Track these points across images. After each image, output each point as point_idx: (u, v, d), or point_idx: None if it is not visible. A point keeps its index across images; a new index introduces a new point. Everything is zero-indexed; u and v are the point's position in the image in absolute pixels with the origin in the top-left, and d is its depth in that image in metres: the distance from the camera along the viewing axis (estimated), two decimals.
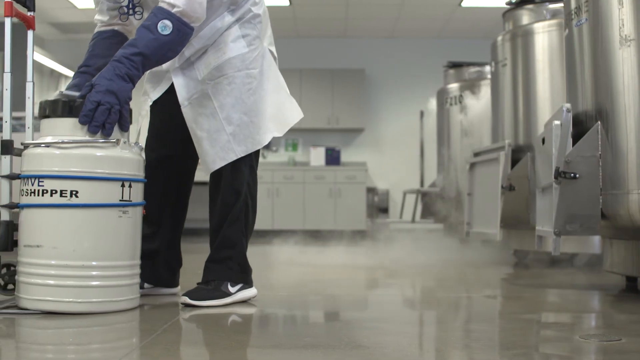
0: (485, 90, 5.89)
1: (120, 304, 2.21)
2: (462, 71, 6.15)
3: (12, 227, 2.27)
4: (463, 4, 7.69)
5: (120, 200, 2.19)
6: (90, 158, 2.17)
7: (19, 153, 2.32)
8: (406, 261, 4.85)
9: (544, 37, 4.14)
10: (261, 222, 8.17)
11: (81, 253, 2.14)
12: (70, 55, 8.90)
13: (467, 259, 4.78)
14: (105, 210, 2.17)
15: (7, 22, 2.31)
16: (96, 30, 2.51)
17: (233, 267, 2.39)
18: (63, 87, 9.72)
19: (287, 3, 7.61)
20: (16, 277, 2.24)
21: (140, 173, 2.27)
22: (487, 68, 6.05)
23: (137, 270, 2.29)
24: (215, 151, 2.34)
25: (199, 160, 2.45)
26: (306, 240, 7.28)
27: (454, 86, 6.12)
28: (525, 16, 4.35)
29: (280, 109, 2.48)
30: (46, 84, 9.23)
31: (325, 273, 3.90)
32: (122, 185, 2.20)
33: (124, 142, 2.21)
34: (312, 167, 8.52)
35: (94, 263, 2.16)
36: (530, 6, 4.30)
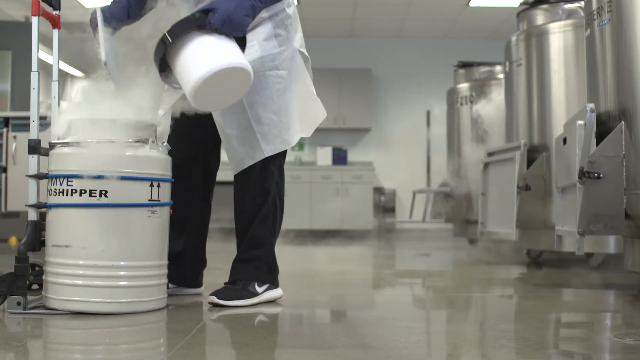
0: (496, 90, 5.88)
1: (148, 304, 2.21)
2: (472, 71, 6.14)
3: (39, 227, 2.27)
4: (471, 4, 7.69)
5: (149, 200, 2.19)
6: (120, 157, 2.16)
7: (45, 153, 2.31)
8: (418, 260, 4.85)
9: (559, 37, 4.13)
10: None
11: (110, 253, 2.14)
12: (76, 55, 8.89)
13: (479, 259, 4.79)
14: (134, 210, 2.17)
15: (35, 20, 2.31)
16: None
17: (261, 267, 2.39)
18: (69, 86, 9.73)
19: (295, 3, 7.61)
20: (43, 277, 2.24)
21: (168, 173, 2.27)
22: (498, 68, 6.05)
23: (165, 271, 2.28)
24: (244, 150, 2.33)
25: (228, 159, 2.43)
26: (313, 240, 7.28)
27: (464, 86, 6.11)
28: (539, 16, 4.35)
29: (306, 110, 2.48)
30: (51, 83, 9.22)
31: (340, 273, 3.89)
32: (151, 185, 2.20)
33: (152, 142, 2.21)
34: (319, 167, 8.51)
35: (122, 263, 2.15)
36: (545, 6, 4.29)
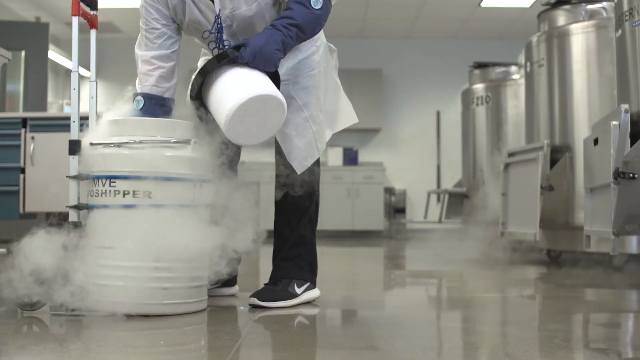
0: (512, 90, 5.89)
1: (190, 305, 2.20)
2: (487, 71, 6.14)
3: (80, 228, 2.26)
4: (483, 4, 7.69)
5: (192, 201, 2.19)
6: (164, 158, 2.16)
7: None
8: (436, 261, 4.85)
9: (581, 38, 4.13)
10: (271, 223, 8.16)
11: (154, 254, 2.13)
12: (85, 55, 8.87)
13: (497, 259, 4.78)
14: (178, 211, 2.16)
15: (75, 20, 2.31)
16: (142, 89, 2.32)
17: (303, 266, 2.39)
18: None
19: None
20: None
21: (209, 173, 2.27)
22: (513, 68, 6.06)
23: (206, 272, 2.28)
24: (306, 149, 2.34)
25: (288, 159, 2.40)
26: (325, 241, 7.28)
27: (479, 86, 6.11)
28: (561, 17, 4.35)
29: (336, 108, 2.49)
30: (61, 83, 9.22)
31: (363, 273, 3.89)
32: (194, 186, 2.19)
33: (195, 142, 2.20)
34: (330, 167, 8.51)
35: (165, 265, 2.15)
36: (567, 7, 4.29)
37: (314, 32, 2.20)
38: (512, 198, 4.51)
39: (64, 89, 9.18)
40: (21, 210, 5.14)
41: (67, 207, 2.26)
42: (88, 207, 2.22)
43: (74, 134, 2.31)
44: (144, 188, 2.13)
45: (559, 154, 4.18)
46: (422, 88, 9.06)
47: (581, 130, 4.09)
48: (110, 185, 2.16)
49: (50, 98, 8.02)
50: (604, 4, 4.19)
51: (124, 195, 2.14)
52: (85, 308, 2.17)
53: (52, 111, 7.57)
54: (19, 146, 5.11)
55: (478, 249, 5.83)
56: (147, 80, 2.30)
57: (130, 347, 1.80)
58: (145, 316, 2.09)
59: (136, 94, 2.33)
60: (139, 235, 2.13)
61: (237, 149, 2.46)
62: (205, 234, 2.26)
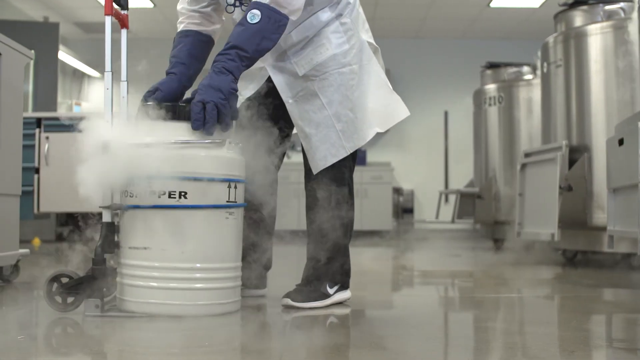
0: (524, 91, 5.89)
1: (225, 306, 2.20)
2: (499, 72, 6.14)
3: (114, 229, 2.26)
4: (492, 5, 7.69)
5: (227, 202, 2.19)
6: (199, 158, 2.16)
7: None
8: (451, 261, 4.85)
9: (599, 39, 4.13)
10: (287, 223, 8.17)
11: (189, 255, 2.13)
12: (92, 55, 8.89)
13: (513, 259, 4.78)
14: (213, 212, 2.16)
15: (108, 20, 2.30)
16: (181, 28, 2.47)
17: (335, 267, 2.39)
18: (86, 86, 9.72)
19: None
20: (117, 279, 2.23)
21: (243, 174, 2.27)
22: (525, 69, 6.06)
23: (240, 273, 2.28)
24: (326, 147, 2.33)
25: (308, 158, 2.42)
26: None
27: (491, 87, 6.11)
28: (578, 17, 4.35)
29: (383, 105, 2.46)
30: (69, 83, 9.22)
31: (382, 274, 3.89)
32: (229, 187, 2.19)
33: (229, 142, 2.20)
34: None
35: (200, 265, 2.15)
36: (584, 7, 4.29)
37: (262, 47, 2.14)
38: (528, 198, 4.51)
39: (72, 89, 9.19)
40: (35, 211, 5.14)
41: (100, 207, 2.26)
42: (124, 208, 2.22)
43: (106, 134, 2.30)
44: (180, 188, 2.13)
45: (576, 154, 4.18)
46: (430, 88, 9.07)
47: (599, 130, 4.09)
48: (145, 186, 2.16)
49: (59, 98, 8.01)
50: (622, 4, 4.19)
51: (159, 196, 2.14)
52: (120, 309, 2.18)
53: (61, 111, 7.57)
54: (33, 146, 5.11)
55: (487, 249, 5.84)
56: (192, 18, 2.43)
57: (175, 348, 1.80)
58: (180, 317, 2.09)
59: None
60: (174, 236, 2.13)
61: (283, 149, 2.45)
62: (239, 235, 2.27)
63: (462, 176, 8.53)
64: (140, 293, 2.15)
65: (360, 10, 2.49)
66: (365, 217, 8.36)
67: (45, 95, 7.23)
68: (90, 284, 2.17)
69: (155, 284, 2.14)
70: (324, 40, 2.34)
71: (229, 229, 2.20)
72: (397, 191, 8.81)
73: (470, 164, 7.82)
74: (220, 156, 2.19)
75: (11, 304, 2.53)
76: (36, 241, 5.88)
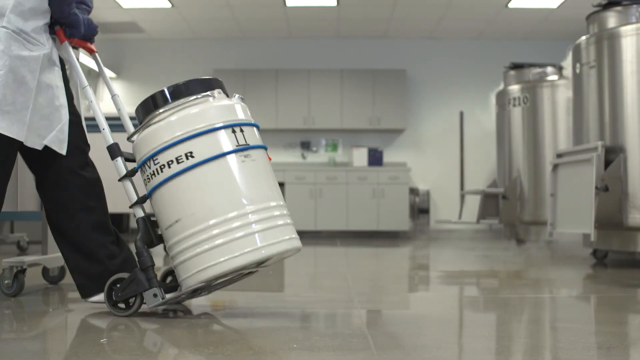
0: (548, 91, 5.92)
1: (280, 245, 2.14)
2: (523, 72, 6.16)
3: (149, 221, 2.27)
4: (510, 5, 7.71)
5: (237, 146, 2.16)
6: (191, 117, 2.16)
7: (128, 157, 2.33)
8: (480, 262, 4.86)
9: (632, 40, 4.15)
10: (305, 223, 8.19)
11: (219, 208, 2.11)
12: (110, 56, 8.90)
13: (542, 259, 4.80)
14: (225, 160, 2.14)
15: (67, 44, 2.38)
16: None
17: None
18: (101, 87, 9.72)
19: (335, 3, 7.62)
20: (173, 265, 2.20)
21: (248, 118, 2.25)
22: (549, 69, 6.08)
23: (285, 212, 2.21)
24: None
25: None
26: (352, 241, 7.30)
27: (515, 87, 6.13)
28: (611, 18, 4.37)
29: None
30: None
31: (400, 275, 3.90)
32: (233, 132, 2.17)
33: (218, 93, 2.23)
34: (355, 168, 8.52)
35: (232, 214, 2.10)
36: (618, 8, 4.31)
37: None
38: (561, 199, 4.53)
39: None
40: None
41: (130, 207, 2.28)
42: (147, 195, 2.23)
43: (107, 139, 2.35)
44: (184, 151, 2.13)
45: (609, 154, 4.20)
46: (446, 89, 9.09)
47: (634, 131, 4.11)
48: (154, 164, 2.17)
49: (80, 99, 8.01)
50: None
51: (169, 166, 2.14)
52: (180, 293, 2.17)
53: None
54: None
55: (511, 249, 5.85)
56: None
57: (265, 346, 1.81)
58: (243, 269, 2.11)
59: None
60: (197, 196, 2.12)
61: None
62: (267, 175, 2.21)
63: (478, 176, 8.56)
64: (195, 263, 2.11)
65: None
66: (382, 218, 8.38)
67: None
68: (141, 277, 2.20)
69: (198, 250, 2.10)
70: None
71: (249, 171, 2.16)
72: (413, 191, 8.83)
73: (485, 164, 7.86)
74: (211, 107, 2.19)
75: (61, 306, 2.57)
76: None
